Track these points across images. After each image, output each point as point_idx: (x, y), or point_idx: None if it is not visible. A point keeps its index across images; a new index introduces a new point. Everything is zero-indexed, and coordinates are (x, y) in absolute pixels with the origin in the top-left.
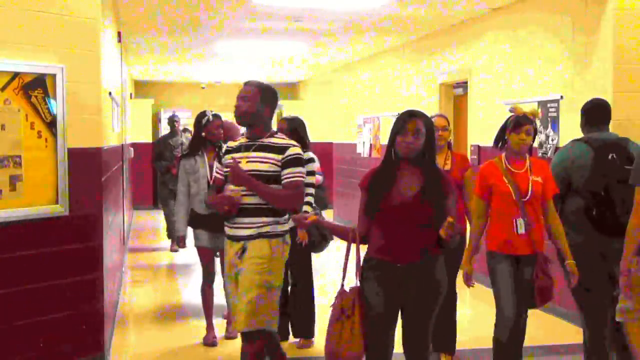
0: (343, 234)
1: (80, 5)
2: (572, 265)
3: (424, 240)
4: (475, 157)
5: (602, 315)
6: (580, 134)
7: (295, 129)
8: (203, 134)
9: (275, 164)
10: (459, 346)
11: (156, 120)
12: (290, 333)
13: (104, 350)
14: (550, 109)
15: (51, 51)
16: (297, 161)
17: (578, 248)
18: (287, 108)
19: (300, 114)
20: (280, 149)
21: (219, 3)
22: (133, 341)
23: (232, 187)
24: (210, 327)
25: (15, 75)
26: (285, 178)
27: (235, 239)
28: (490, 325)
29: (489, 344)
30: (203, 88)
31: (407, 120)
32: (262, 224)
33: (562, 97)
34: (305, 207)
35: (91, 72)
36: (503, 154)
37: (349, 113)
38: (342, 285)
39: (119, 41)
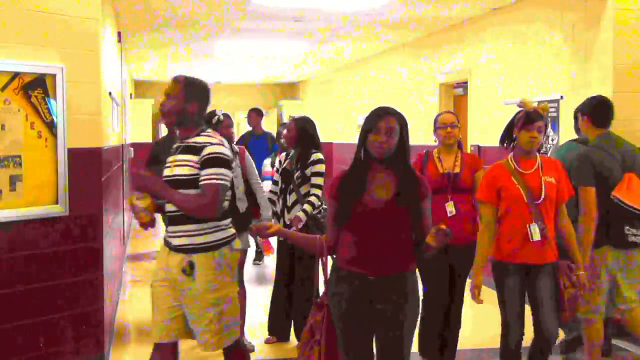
0: (310, 245)
1: (80, 5)
2: (583, 277)
3: (399, 249)
4: (471, 153)
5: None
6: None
7: (303, 127)
8: None
9: (194, 167)
10: (460, 346)
11: (156, 120)
12: (292, 334)
13: (104, 350)
14: (551, 109)
15: (51, 51)
16: (215, 161)
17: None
18: (287, 108)
19: (300, 114)
20: (199, 149)
21: (219, 3)
22: (133, 341)
23: (133, 197)
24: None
25: (15, 75)
26: (200, 180)
27: (173, 248)
28: (490, 325)
29: (489, 343)
30: None
31: (380, 117)
32: (196, 233)
33: (562, 97)
34: (306, 207)
35: (91, 72)
36: (510, 154)
37: (349, 113)
38: (316, 302)
39: (119, 41)
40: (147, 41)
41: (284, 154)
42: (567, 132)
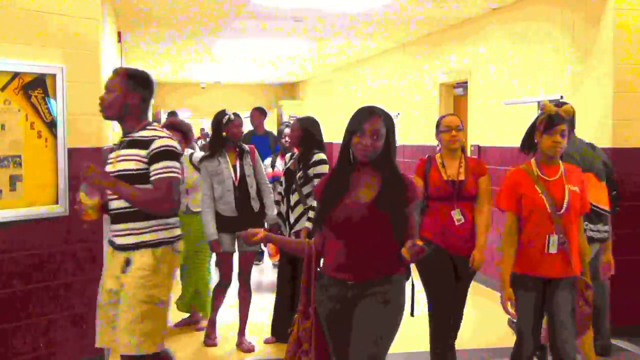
0: (298, 249)
1: (80, 5)
2: (590, 296)
3: (381, 254)
4: (475, 157)
5: None
6: (579, 133)
7: (307, 128)
8: (224, 133)
9: (142, 161)
10: (459, 346)
11: (156, 120)
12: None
13: (104, 350)
14: None
15: (51, 51)
16: (165, 154)
17: None
18: (287, 108)
19: (300, 114)
20: (146, 143)
21: (219, 3)
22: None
23: (81, 194)
24: (211, 328)
25: (15, 75)
26: (151, 175)
27: (116, 247)
28: (490, 325)
29: (489, 344)
30: (203, 88)
31: (365, 119)
32: (141, 231)
33: (562, 97)
34: (312, 213)
35: (91, 72)
36: (532, 159)
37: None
38: (301, 310)
39: (119, 41)
40: (147, 41)
41: (288, 154)
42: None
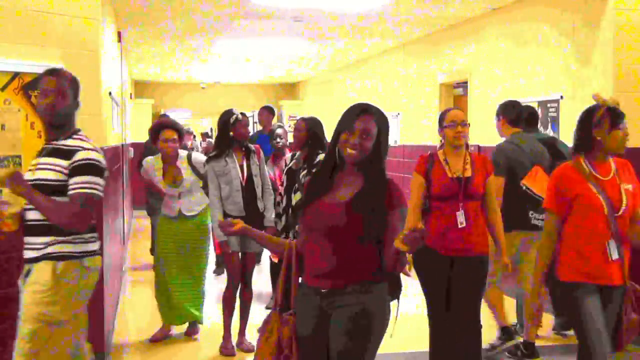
0: (277, 249)
1: (80, 5)
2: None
3: (358, 261)
4: (477, 153)
5: None
6: None
7: (313, 129)
8: (231, 133)
9: (62, 172)
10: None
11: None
12: None
13: (104, 350)
14: (550, 109)
15: (51, 51)
16: (88, 168)
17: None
18: (287, 108)
19: (300, 114)
20: (69, 153)
21: (219, 3)
22: (134, 342)
23: (4, 200)
24: (228, 335)
25: (15, 75)
26: (70, 189)
27: (25, 260)
28: (491, 324)
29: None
30: (203, 88)
31: (357, 116)
32: (46, 244)
33: (562, 96)
34: None
35: (91, 72)
36: (582, 156)
37: None
38: (277, 313)
39: (119, 41)
40: (147, 41)
41: (289, 154)
42: (567, 132)
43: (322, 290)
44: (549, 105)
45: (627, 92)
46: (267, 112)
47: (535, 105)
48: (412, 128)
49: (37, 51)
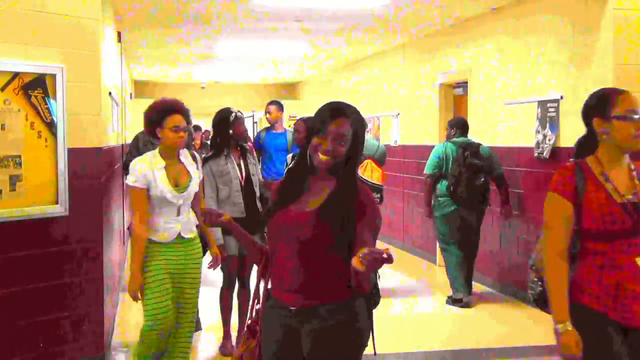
0: (252, 250)
1: (80, 5)
2: None
3: (330, 276)
4: None
5: (462, 254)
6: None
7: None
8: (230, 131)
9: None
10: (458, 346)
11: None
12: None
13: (104, 350)
14: (550, 109)
15: (51, 51)
16: None
17: (448, 215)
18: (287, 108)
19: (300, 113)
20: None
21: (219, 3)
22: (133, 341)
23: None
24: (227, 335)
25: (15, 75)
26: None
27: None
28: (490, 324)
29: (489, 344)
30: (203, 88)
31: (332, 118)
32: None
33: (562, 97)
34: None
35: (91, 72)
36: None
37: None
38: (249, 326)
39: (119, 41)
40: (147, 41)
41: (290, 155)
42: (567, 132)
43: (292, 309)
44: (548, 105)
45: None
46: (276, 107)
47: (535, 105)
48: (412, 128)
49: (37, 51)
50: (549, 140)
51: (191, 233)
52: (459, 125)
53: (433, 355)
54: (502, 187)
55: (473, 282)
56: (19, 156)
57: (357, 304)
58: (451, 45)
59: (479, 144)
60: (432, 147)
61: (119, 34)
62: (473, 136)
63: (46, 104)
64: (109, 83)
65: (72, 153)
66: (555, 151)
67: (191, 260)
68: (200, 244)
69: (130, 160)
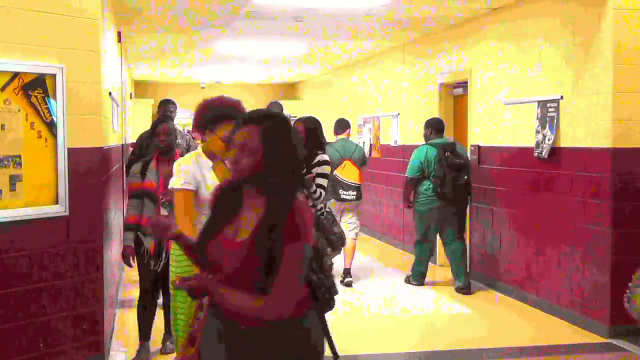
0: (199, 267)
1: (80, 5)
2: None
3: (275, 297)
4: (475, 157)
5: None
6: (578, 133)
7: (313, 128)
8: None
9: None
10: (458, 346)
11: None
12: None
13: (104, 350)
14: (550, 109)
15: (51, 51)
16: None
17: (431, 210)
18: (287, 108)
19: (299, 114)
20: None
21: (219, 3)
22: (133, 342)
23: None
24: None
25: (15, 75)
26: None
27: None
28: (490, 324)
29: (489, 343)
30: (203, 88)
31: (239, 126)
32: None
33: (562, 97)
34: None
35: (91, 72)
36: None
37: (349, 113)
38: (190, 333)
39: (119, 41)
40: (147, 41)
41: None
42: (567, 132)
43: (242, 327)
44: (548, 105)
45: (627, 92)
46: (277, 108)
47: (535, 105)
48: (412, 128)
49: (37, 51)
50: (548, 140)
51: None
52: (435, 126)
53: (433, 356)
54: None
55: (473, 282)
56: (19, 156)
57: (306, 322)
58: (451, 45)
59: (455, 143)
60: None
61: (119, 34)
62: (473, 136)
63: (46, 104)
64: (109, 83)
65: (72, 153)
66: (555, 151)
67: None
68: None
69: (133, 161)
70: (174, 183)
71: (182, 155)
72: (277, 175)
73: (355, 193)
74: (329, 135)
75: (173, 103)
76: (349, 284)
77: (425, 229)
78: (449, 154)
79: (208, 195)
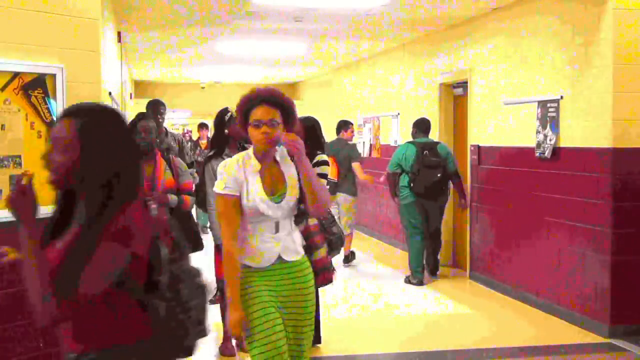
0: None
1: (80, 5)
2: None
3: (95, 321)
4: (475, 157)
5: (423, 243)
6: (578, 133)
7: (312, 127)
8: (226, 131)
9: None
10: (458, 346)
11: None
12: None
13: None
14: (550, 109)
15: (51, 51)
16: None
17: (410, 204)
18: None
19: (299, 114)
20: None
21: (219, 3)
22: None
23: None
24: (228, 335)
25: (15, 75)
26: None
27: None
28: (490, 324)
29: (489, 343)
30: (203, 88)
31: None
32: None
33: (562, 97)
34: None
35: (91, 72)
36: None
37: (349, 113)
38: None
39: (119, 41)
40: (147, 41)
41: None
42: (567, 132)
43: (70, 355)
44: (549, 105)
45: (627, 92)
46: None
47: (535, 105)
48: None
49: (37, 51)
50: (550, 140)
51: (296, 255)
52: (420, 126)
53: (433, 355)
54: (456, 182)
55: (475, 284)
56: (19, 156)
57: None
58: (451, 45)
59: (437, 143)
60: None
61: (119, 34)
62: (473, 136)
63: (46, 104)
64: (109, 83)
65: None
66: (555, 151)
67: (300, 289)
68: (311, 268)
69: None
70: (216, 186)
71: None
72: (96, 174)
73: (328, 187)
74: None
75: (163, 104)
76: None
77: (408, 222)
78: (427, 152)
79: (252, 203)
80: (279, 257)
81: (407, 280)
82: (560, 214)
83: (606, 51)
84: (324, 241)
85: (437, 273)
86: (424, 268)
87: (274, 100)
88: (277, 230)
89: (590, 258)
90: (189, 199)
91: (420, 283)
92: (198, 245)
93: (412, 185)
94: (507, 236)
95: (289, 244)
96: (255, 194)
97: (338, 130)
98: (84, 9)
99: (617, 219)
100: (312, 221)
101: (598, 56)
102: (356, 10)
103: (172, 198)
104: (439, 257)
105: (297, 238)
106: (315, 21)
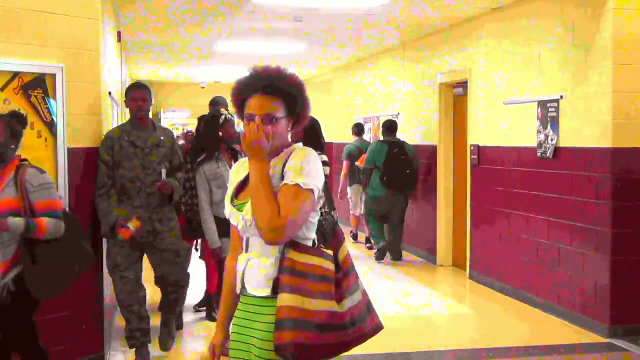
0: None
1: (80, 5)
2: None
3: None
4: (475, 157)
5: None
6: (579, 134)
7: (312, 127)
8: (220, 134)
9: None
10: (458, 346)
11: (156, 120)
12: None
13: (103, 350)
14: (550, 109)
15: (51, 51)
16: None
17: (379, 198)
18: None
19: None
20: None
21: (219, 3)
22: None
23: None
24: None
25: (15, 75)
26: None
27: None
28: (490, 324)
29: (489, 343)
30: (203, 88)
31: None
32: None
33: (562, 97)
34: None
35: (91, 72)
36: None
37: (349, 113)
38: None
39: (119, 41)
40: (147, 41)
41: None
42: (567, 131)
43: None
44: (549, 105)
45: (627, 92)
46: (221, 103)
47: (535, 105)
48: (412, 128)
49: (37, 51)
50: (552, 140)
51: (262, 290)
52: (387, 127)
53: (433, 355)
54: (416, 177)
55: (475, 284)
56: (19, 156)
57: None
58: (451, 45)
59: (404, 142)
60: (432, 146)
61: (119, 34)
62: (473, 136)
63: (46, 104)
64: (109, 83)
65: (72, 153)
66: (556, 151)
67: (257, 334)
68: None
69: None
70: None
71: None
72: None
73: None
74: (330, 135)
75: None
76: None
77: (374, 210)
78: (397, 150)
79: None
80: (243, 286)
81: (378, 255)
82: (560, 214)
83: (606, 51)
84: (358, 281)
85: (401, 258)
86: (385, 241)
87: (276, 88)
88: (246, 249)
89: (590, 258)
90: (44, 222)
91: (384, 251)
92: (88, 260)
93: (384, 179)
94: (507, 236)
95: (254, 270)
96: (227, 198)
97: (353, 132)
98: (84, 9)
99: (617, 219)
100: (342, 254)
101: (598, 56)
102: (356, 10)
103: (13, 222)
104: (402, 244)
105: (268, 266)
106: (315, 21)
